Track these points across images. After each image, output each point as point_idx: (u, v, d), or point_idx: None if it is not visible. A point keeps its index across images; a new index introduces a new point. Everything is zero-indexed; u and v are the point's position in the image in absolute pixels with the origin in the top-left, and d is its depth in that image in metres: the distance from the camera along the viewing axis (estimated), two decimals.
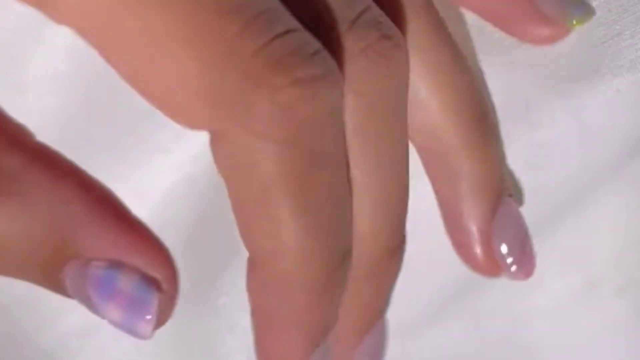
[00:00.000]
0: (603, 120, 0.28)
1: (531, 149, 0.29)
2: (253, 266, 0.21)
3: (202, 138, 0.27)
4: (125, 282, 0.19)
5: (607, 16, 0.26)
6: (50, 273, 0.19)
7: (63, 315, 0.29)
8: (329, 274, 0.20)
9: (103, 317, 0.19)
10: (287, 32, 0.18)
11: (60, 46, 0.25)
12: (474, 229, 0.25)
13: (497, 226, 0.25)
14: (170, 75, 0.17)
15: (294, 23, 0.18)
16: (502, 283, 0.30)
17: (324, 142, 0.19)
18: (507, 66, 0.27)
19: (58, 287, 0.20)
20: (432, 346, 0.31)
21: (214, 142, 0.20)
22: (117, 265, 0.19)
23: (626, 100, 0.27)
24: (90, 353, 0.29)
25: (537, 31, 0.26)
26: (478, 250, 0.25)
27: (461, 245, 0.26)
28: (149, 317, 0.19)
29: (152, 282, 0.19)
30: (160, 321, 0.19)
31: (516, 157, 0.28)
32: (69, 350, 0.29)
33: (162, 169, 0.26)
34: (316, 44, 0.18)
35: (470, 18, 0.27)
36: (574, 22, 0.26)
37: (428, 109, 0.23)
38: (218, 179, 0.28)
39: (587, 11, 0.27)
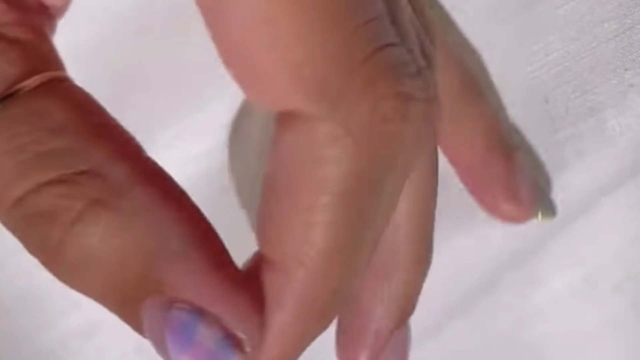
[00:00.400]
0: (617, 118, 0.28)
1: (549, 146, 0.29)
2: (268, 266, 0.18)
3: (201, 138, 0.27)
4: (206, 335, 0.17)
5: (618, 10, 0.26)
6: (128, 303, 0.17)
7: (63, 316, 0.29)
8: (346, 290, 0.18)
9: None
10: (393, 44, 0.17)
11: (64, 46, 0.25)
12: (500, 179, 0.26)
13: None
14: (278, 50, 0.16)
15: (397, 35, 0.17)
16: (504, 283, 0.30)
17: (399, 163, 0.17)
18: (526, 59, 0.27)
19: (134, 321, 0.18)
20: (436, 347, 0.31)
21: (286, 125, 0.17)
22: (201, 313, 0.17)
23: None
24: (91, 353, 0.29)
25: (506, 208, 0.27)
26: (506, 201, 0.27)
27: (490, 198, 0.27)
28: None
29: (235, 342, 0.17)
30: None
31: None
32: (69, 350, 0.29)
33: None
34: (421, 62, 0.18)
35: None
36: (539, 214, 0.28)
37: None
38: (218, 178, 0.28)
39: (553, 211, 0.29)
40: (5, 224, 0.17)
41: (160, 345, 0.17)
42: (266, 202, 0.18)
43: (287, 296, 0.18)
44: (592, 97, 0.28)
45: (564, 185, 0.29)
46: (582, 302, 0.31)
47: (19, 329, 0.29)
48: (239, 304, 0.17)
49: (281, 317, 0.18)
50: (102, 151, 0.17)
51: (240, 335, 0.17)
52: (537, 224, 0.28)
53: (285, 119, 0.17)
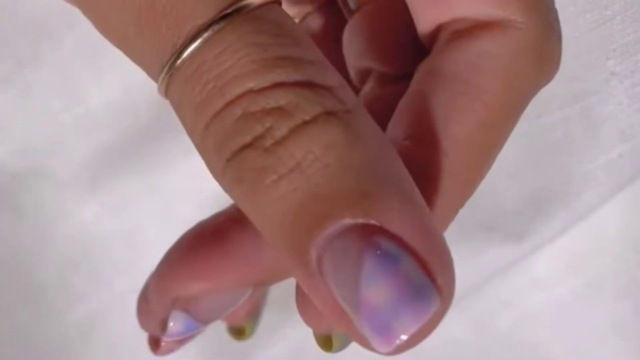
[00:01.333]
0: (602, 105, 0.29)
1: (538, 142, 0.29)
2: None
3: None
4: (412, 270, 0.15)
5: (599, 1, 0.27)
6: (317, 221, 0.15)
7: (69, 309, 0.30)
8: None
9: (357, 301, 0.15)
10: None
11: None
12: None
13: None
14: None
15: None
16: (504, 284, 0.30)
17: None
18: None
19: (301, 255, 0.15)
20: (434, 350, 0.32)
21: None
22: (407, 248, 0.15)
23: (623, 85, 0.28)
24: (94, 348, 0.29)
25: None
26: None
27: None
28: (422, 315, 0.15)
29: (436, 284, 0.15)
30: (421, 335, 0.15)
31: (522, 152, 0.28)
32: (72, 345, 0.29)
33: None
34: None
35: None
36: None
37: None
38: None
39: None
40: (228, 112, 0.16)
41: (348, 280, 0.15)
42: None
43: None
44: (576, 84, 0.29)
45: (566, 184, 0.29)
46: (585, 307, 0.31)
47: (23, 325, 0.30)
48: (438, 255, 0.16)
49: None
50: (335, 73, 0.17)
51: (440, 283, 0.15)
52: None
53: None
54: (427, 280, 0.15)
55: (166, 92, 0.17)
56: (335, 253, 0.15)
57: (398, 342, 0.15)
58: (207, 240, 0.20)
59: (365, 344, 0.15)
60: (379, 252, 0.15)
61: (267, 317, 0.25)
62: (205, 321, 0.20)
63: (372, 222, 0.15)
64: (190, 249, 0.20)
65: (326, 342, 0.19)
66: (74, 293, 0.29)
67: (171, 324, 0.20)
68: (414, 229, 0.15)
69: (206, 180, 0.26)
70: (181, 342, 0.21)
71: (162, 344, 0.21)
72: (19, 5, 0.27)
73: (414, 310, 0.15)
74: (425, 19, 0.19)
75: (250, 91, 0.16)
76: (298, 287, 0.18)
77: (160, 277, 0.20)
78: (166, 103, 0.17)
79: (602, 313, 0.32)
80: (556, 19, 0.19)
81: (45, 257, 0.29)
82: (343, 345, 0.19)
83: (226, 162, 0.16)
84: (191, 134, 0.17)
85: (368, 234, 0.15)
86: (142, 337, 0.22)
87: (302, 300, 0.18)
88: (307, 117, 0.16)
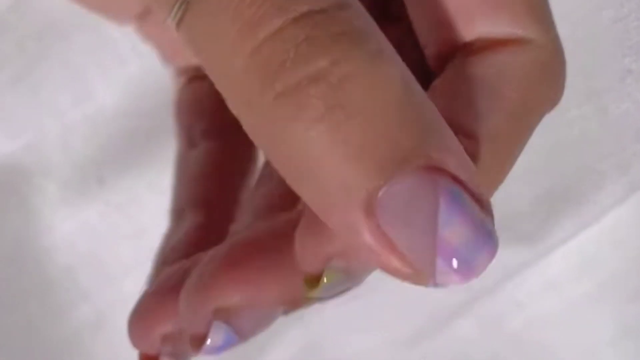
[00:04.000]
0: (617, 103, 0.28)
1: (552, 141, 0.28)
2: None
3: None
4: (474, 209, 0.15)
5: None
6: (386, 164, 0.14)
7: (75, 308, 0.29)
8: None
9: (434, 242, 0.15)
10: None
11: None
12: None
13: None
14: None
15: None
16: (516, 285, 0.30)
17: None
18: None
19: (361, 197, 0.15)
20: (446, 351, 0.31)
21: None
22: (465, 189, 0.15)
23: (639, 83, 0.28)
24: (102, 344, 0.29)
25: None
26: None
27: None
28: (493, 252, 0.15)
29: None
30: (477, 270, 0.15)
31: (536, 151, 0.28)
32: (81, 342, 0.29)
33: None
34: None
35: None
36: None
37: None
38: None
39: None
40: (285, 35, 0.15)
41: (421, 221, 0.15)
42: None
43: None
44: (592, 82, 0.28)
45: (579, 184, 0.29)
46: (597, 308, 0.31)
47: (31, 322, 0.30)
48: (487, 202, 0.16)
49: None
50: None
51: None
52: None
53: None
54: (491, 220, 0.16)
55: (181, 21, 0.15)
56: (403, 196, 0.15)
57: (475, 277, 0.15)
58: (252, 251, 0.19)
59: (416, 279, 0.16)
60: (451, 194, 0.15)
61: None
62: (244, 336, 0.19)
63: (441, 165, 0.15)
64: (235, 259, 0.19)
65: (313, 282, 0.18)
66: (80, 291, 0.29)
67: (211, 337, 0.19)
68: (467, 173, 0.15)
69: None
70: None
71: None
72: (29, 4, 0.27)
73: (487, 248, 0.15)
74: (441, 40, 0.19)
75: (317, 12, 0.15)
76: (306, 214, 0.17)
77: (202, 285, 0.19)
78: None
79: (614, 315, 0.31)
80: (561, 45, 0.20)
81: (51, 254, 0.29)
82: (332, 286, 0.17)
83: (276, 95, 0.15)
84: (221, 65, 0.15)
85: (438, 177, 0.15)
86: None
87: (307, 230, 0.17)
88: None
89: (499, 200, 0.20)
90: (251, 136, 0.16)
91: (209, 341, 0.19)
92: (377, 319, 0.32)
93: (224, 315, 0.19)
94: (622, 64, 0.27)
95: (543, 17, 0.18)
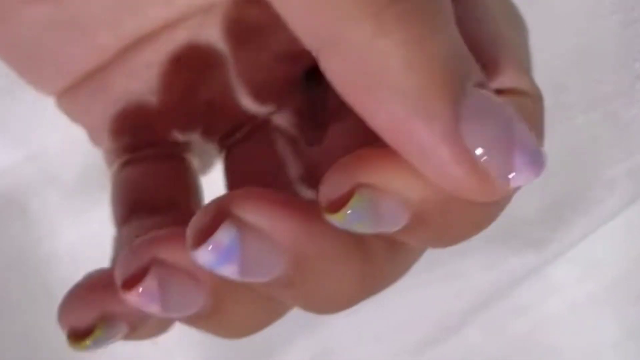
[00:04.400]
0: (627, 109, 0.28)
1: (560, 147, 0.28)
2: None
3: None
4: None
5: (625, 3, 0.26)
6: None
7: None
8: None
9: (512, 144, 0.17)
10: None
11: None
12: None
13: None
14: None
15: None
16: (521, 290, 0.30)
17: None
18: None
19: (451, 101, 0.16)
20: (453, 357, 0.31)
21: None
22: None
23: None
24: (102, 353, 0.29)
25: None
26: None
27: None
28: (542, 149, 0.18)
29: None
30: None
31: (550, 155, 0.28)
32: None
33: None
34: None
35: None
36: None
37: None
38: None
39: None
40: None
41: (494, 121, 0.17)
42: None
43: None
44: (601, 88, 0.28)
45: (586, 188, 0.29)
46: (602, 311, 0.31)
47: (33, 329, 0.29)
48: None
49: None
50: None
51: None
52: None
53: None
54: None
55: None
56: (481, 105, 0.17)
57: (543, 171, 0.18)
58: None
59: (486, 190, 0.17)
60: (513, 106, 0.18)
61: (281, 328, 0.24)
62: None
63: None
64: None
65: (338, 207, 0.18)
66: None
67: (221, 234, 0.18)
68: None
69: (214, 188, 0.26)
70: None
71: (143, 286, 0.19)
72: None
73: (541, 144, 0.19)
74: None
75: None
76: None
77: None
78: None
79: (618, 317, 0.31)
80: None
81: (53, 264, 0.29)
82: (355, 214, 0.18)
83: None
84: None
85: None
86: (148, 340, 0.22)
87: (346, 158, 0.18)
88: None
89: (507, 207, 0.20)
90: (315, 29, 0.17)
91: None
92: (385, 328, 0.31)
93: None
94: (632, 69, 0.27)
95: (529, 72, 0.22)
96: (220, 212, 0.18)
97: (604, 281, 0.31)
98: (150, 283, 0.19)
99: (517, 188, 0.17)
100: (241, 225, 0.18)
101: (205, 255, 0.18)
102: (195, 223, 0.18)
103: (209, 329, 0.22)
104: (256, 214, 0.18)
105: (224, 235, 0.18)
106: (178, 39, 0.23)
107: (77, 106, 0.24)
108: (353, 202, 0.18)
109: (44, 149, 0.27)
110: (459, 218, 0.19)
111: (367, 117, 0.17)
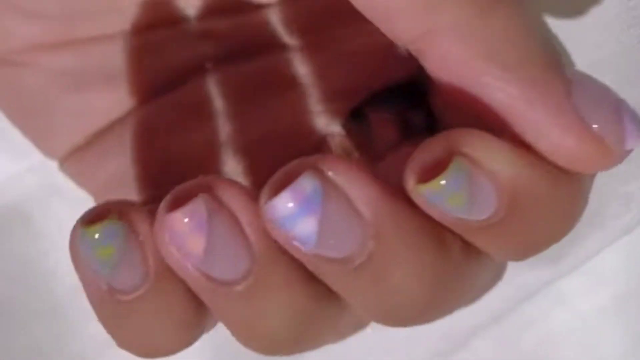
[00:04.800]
0: None
1: None
2: None
3: None
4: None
5: None
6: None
7: (82, 328, 0.29)
8: None
9: (620, 115, 0.19)
10: None
11: None
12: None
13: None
14: None
15: None
16: (529, 303, 0.30)
17: None
18: None
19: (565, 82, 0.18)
20: None
21: None
22: None
23: None
24: (108, 351, 0.29)
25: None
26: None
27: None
28: None
29: None
30: None
31: None
32: None
33: None
34: None
35: None
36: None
37: None
38: None
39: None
40: None
41: (616, 133, 0.19)
42: None
43: None
44: None
45: (601, 205, 0.29)
46: (611, 323, 0.31)
47: (38, 343, 0.29)
48: None
49: None
50: None
51: None
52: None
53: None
54: None
55: None
56: (583, 78, 0.19)
57: None
58: None
59: (601, 156, 0.19)
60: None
61: None
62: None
63: None
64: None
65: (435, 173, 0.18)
66: (87, 311, 0.29)
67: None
68: None
69: None
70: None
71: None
72: None
73: None
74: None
75: None
76: None
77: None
78: None
79: (628, 328, 0.31)
80: None
81: (58, 275, 0.29)
82: (451, 183, 0.17)
83: None
84: None
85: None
86: None
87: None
88: None
89: None
90: None
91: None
92: (395, 341, 0.31)
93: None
94: None
95: None
96: (304, 166, 0.17)
97: (615, 294, 0.31)
98: (199, 207, 0.18)
99: (629, 151, 0.19)
100: (325, 180, 0.17)
101: (285, 201, 0.17)
102: (275, 177, 0.18)
103: (238, 323, 0.20)
104: (344, 175, 0.18)
105: (307, 182, 0.17)
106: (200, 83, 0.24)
107: (83, 168, 0.25)
108: (450, 169, 0.17)
109: (45, 160, 0.27)
110: (547, 212, 0.19)
111: (484, 95, 0.18)
